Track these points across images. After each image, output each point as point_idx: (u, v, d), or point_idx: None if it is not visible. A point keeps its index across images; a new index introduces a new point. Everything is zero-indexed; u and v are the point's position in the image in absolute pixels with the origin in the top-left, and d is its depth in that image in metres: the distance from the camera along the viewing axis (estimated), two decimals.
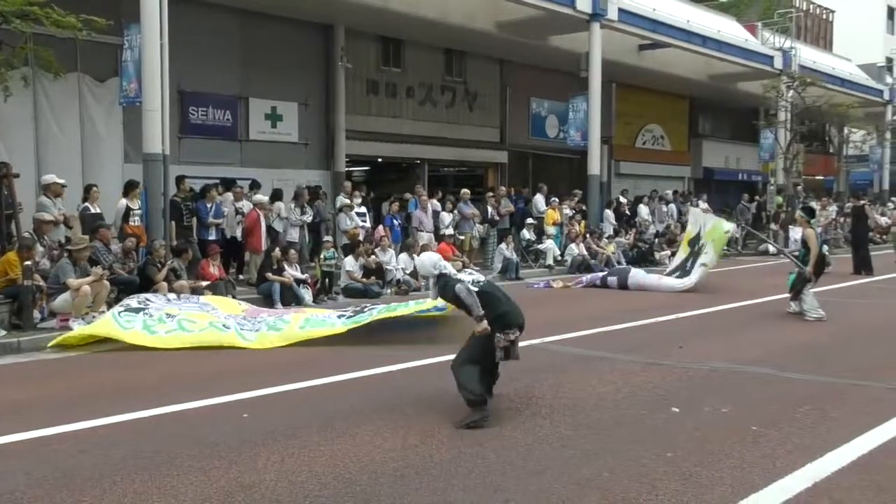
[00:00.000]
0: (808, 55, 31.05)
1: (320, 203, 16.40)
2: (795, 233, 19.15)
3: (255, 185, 15.55)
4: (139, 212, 12.62)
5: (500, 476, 4.70)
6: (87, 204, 12.42)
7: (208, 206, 13.84)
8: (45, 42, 10.90)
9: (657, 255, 21.04)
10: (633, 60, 24.94)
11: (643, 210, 23.33)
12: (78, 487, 4.53)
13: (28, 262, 9.53)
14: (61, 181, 12.01)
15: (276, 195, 15.50)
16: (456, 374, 5.95)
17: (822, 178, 39.00)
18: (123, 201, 12.64)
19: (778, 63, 28.52)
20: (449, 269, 6.23)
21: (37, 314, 9.71)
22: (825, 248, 12.17)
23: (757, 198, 27.78)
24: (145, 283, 11.39)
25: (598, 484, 4.56)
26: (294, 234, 14.94)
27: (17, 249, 9.81)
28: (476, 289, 5.98)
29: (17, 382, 7.64)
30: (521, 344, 8.87)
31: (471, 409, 5.79)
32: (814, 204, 24.97)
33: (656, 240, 21.90)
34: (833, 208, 26.59)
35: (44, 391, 7.14)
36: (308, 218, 15.28)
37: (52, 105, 14.13)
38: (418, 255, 15.13)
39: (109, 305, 10.43)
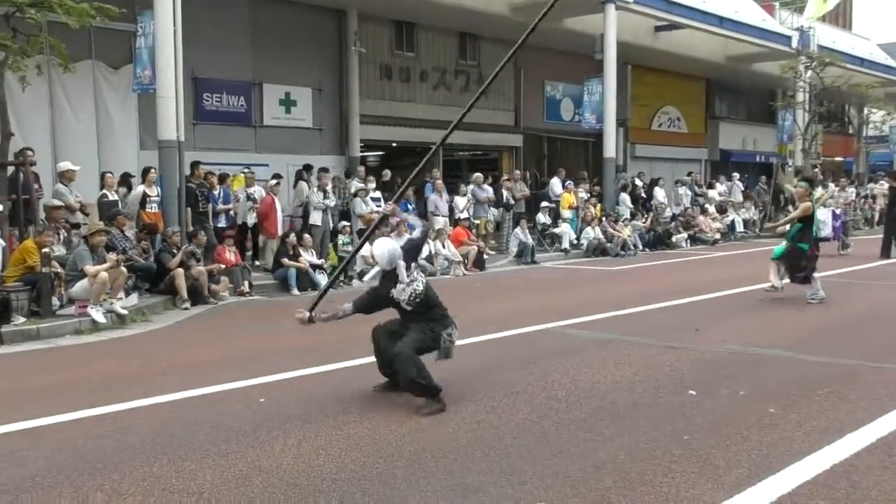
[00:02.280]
0: (826, 35, 30.69)
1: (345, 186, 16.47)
2: (820, 213, 18.94)
3: (276, 177, 15.60)
4: (156, 198, 12.69)
5: (517, 459, 4.70)
6: (104, 191, 12.50)
7: (215, 192, 13.87)
8: (60, 29, 10.92)
9: (674, 238, 20.96)
10: (648, 42, 24.75)
11: (659, 193, 23.21)
12: (98, 471, 4.57)
13: (45, 250, 9.60)
14: (76, 168, 12.08)
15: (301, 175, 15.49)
16: (413, 362, 5.76)
17: (841, 159, 38.62)
18: (140, 188, 12.72)
19: (796, 43, 28.19)
20: (399, 271, 5.95)
21: (55, 301, 9.78)
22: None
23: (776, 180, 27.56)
24: (162, 270, 11.48)
25: (613, 466, 4.55)
26: (317, 218, 14.92)
27: (34, 237, 9.88)
28: (421, 288, 5.98)
29: (36, 369, 7.71)
30: (538, 327, 9.01)
31: (426, 398, 5.75)
32: (832, 185, 24.82)
33: (672, 223, 21.80)
34: (852, 190, 26.36)
35: (63, 377, 7.20)
36: (331, 202, 15.24)
37: (67, 93, 14.20)
38: (433, 239, 15.34)
39: (127, 292, 10.52)
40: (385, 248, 6.00)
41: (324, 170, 15.83)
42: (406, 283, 5.91)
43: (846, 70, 28.04)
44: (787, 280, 10.97)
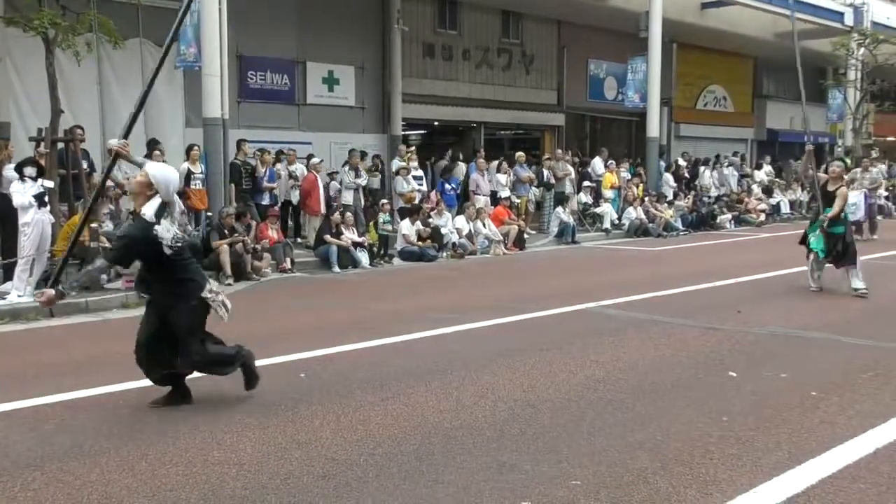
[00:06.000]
0: (881, 10, 29.78)
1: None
2: (852, 196, 18.39)
3: (310, 157, 15.73)
4: (200, 175, 12.86)
5: (553, 437, 4.71)
6: None
7: (262, 170, 14.01)
8: (107, 8, 11.08)
9: (718, 219, 20.67)
10: (694, 19, 24.29)
11: (706, 174, 22.89)
12: (142, 441, 4.68)
13: (94, 225, 9.80)
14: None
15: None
16: (203, 354, 5.32)
17: (893, 139, 37.61)
18: (185, 165, 12.89)
19: (849, 19, 27.45)
20: (176, 203, 5.28)
21: (103, 276, 9.97)
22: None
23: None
24: (208, 247, 11.65)
25: (651, 446, 4.54)
26: (349, 197, 15.06)
27: (82, 211, 10.07)
28: (180, 245, 5.17)
29: (85, 341, 7.91)
30: (577, 307, 8.98)
31: (242, 370, 5.48)
32: (880, 166, 24.08)
33: (716, 205, 21.48)
34: (876, 170, 25.48)
35: (110, 350, 7.34)
36: (363, 181, 15.38)
37: (115, 70, 14.40)
38: (475, 218, 15.35)
39: None
40: (165, 171, 5.29)
41: (362, 152, 16.05)
42: (175, 217, 5.21)
43: None
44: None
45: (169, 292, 5.23)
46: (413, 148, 18.51)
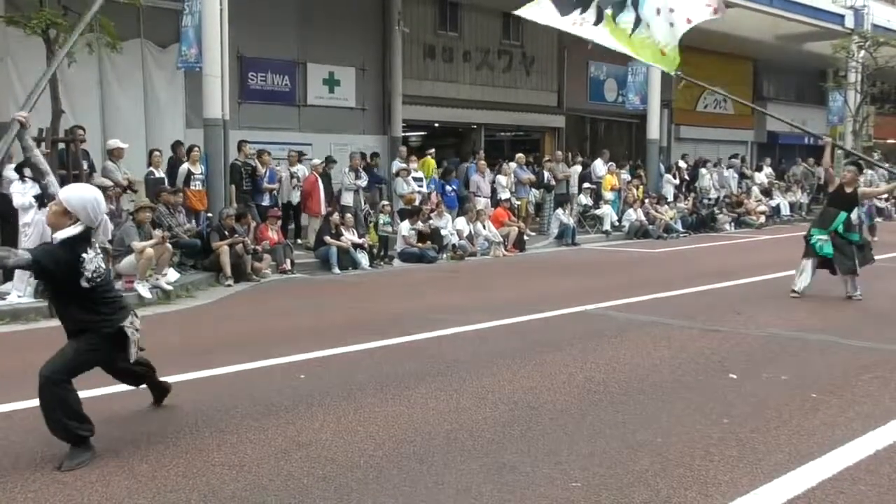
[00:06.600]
0: (881, 13, 29.78)
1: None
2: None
3: (329, 159, 15.67)
4: (200, 176, 12.86)
5: (554, 440, 4.71)
6: (150, 168, 12.70)
7: (263, 171, 14.01)
8: (109, 8, 11.04)
9: (718, 221, 20.68)
10: None
11: (705, 177, 22.90)
12: (142, 442, 4.68)
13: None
14: (124, 145, 12.30)
15: None
16: (56, 391, 4.42)
17: (893, 141, 37.60)
18: (185, 165, 12.90)
19: (849, 22, 27.42)
20: (104, 227, 4.56)
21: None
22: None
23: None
24: (208, 248, 11.65)
25: (651, 448, 4.54)
26: (349, 199, 15.06)
27: None
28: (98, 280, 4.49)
29: None
30: (577, 308, 8.97)
31: (73, 448, 4.40)
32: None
33: (714, 207, 21.48)
34: (871, 172, 25.45)
35: None
36: (363, 182, 15.38)
37: (116, 71, 14.40)
38: (475, 220, 15.35)
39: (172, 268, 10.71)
40: (79, 193, 4.53)
41: (361, 154, 16.03)
42: (97, 251, 4.56)
43: None
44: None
45: (76, 322, 4.63)
46: (433, 150, 18.45)
